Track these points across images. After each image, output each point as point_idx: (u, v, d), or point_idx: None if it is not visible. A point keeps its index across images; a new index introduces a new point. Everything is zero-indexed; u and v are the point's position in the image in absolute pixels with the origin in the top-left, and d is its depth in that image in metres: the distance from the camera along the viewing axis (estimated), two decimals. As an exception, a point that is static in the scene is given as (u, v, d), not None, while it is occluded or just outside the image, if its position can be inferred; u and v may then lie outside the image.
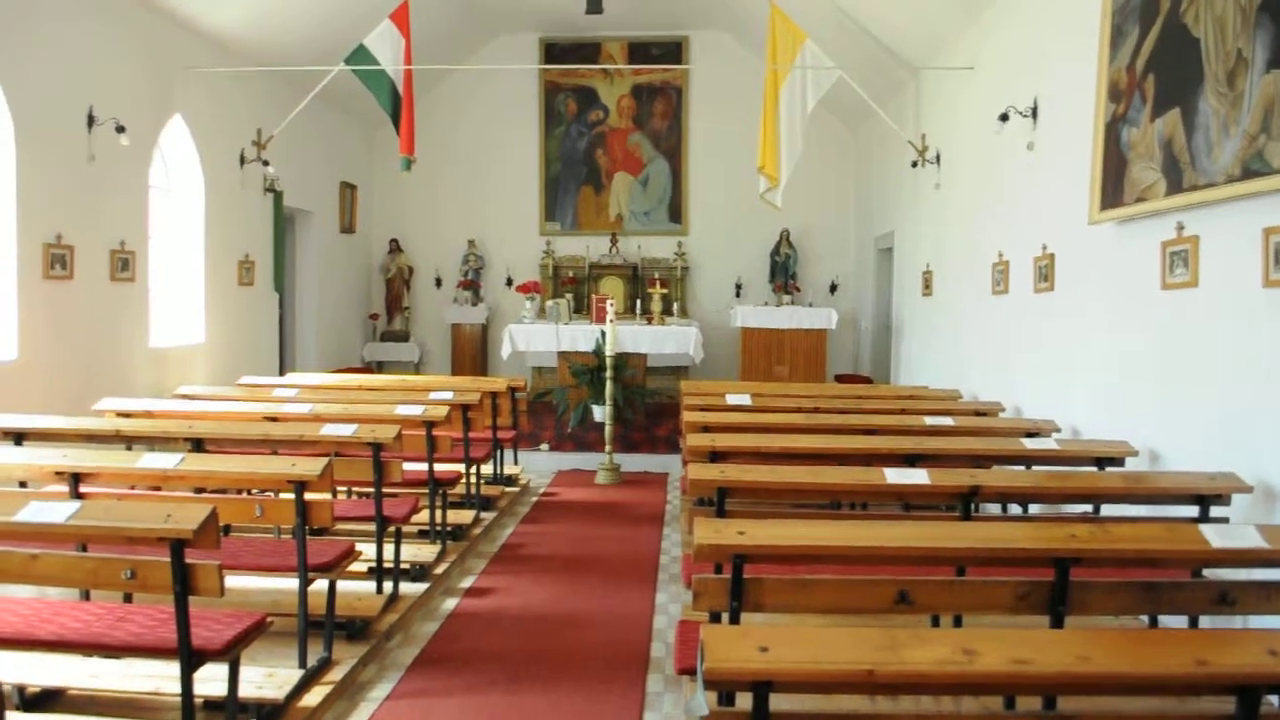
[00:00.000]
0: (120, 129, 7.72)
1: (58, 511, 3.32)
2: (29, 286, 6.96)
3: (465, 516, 7.27)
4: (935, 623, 4.23)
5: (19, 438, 5.43)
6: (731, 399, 6.98)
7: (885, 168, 12.04)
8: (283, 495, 4.47)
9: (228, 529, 5.51)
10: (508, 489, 8.72)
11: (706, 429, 5.59)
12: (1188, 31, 4.77)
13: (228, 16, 9.20)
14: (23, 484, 4.87)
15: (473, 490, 7.63)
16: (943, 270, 9.38)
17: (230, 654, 3.46)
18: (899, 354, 11.16)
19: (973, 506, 4.15)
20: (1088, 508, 4.93)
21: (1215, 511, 4.16)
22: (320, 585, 4.53)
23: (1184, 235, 4.91)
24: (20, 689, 3.92)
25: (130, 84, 8.18)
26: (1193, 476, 4.25)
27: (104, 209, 7.84)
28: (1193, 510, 4.19)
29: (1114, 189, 5.48)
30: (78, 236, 7.45)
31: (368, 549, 5.31)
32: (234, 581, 4.91)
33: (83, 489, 4.47)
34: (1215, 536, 3.06)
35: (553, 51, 14.23)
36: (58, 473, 4.45)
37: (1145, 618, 4.35)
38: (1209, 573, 3.85)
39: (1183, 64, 4.81)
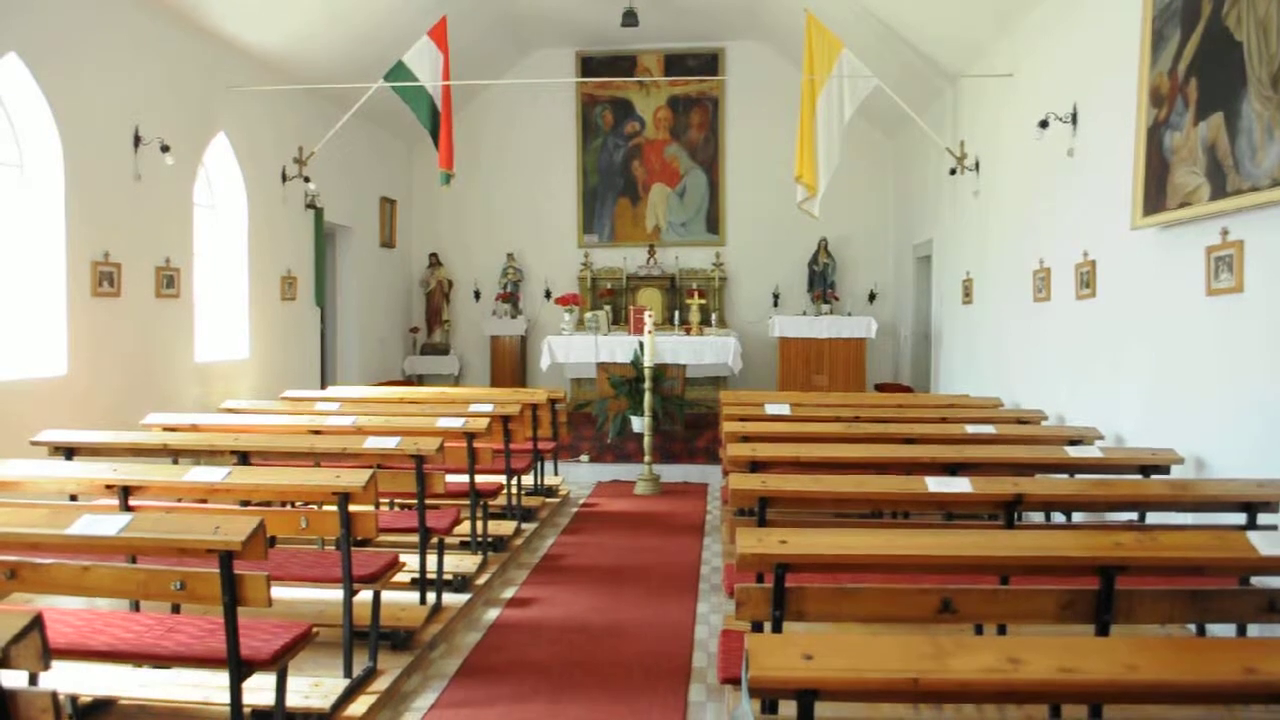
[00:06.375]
0: (165, 148, 7.87)
1: (109, 524, 3.38)
2: (78, 304, 7.11)
3: (506, 528, 7.31)
4: (979, 632, 4.21)
5: (70, 452, 5.54)
6: (771, 409, 6.97)
7: (924, 175, 11.98)
8: (327, 507, 4.51)
9: (273, 541, 5.54)
10: (548, 500, 8.75)
11: (746, 439, 5.58)
12: (1230, 35, 4.72)
13: (269, 36, 9.35)
14: (74, 497, 4.95)
15: (514, 501, 7.66)
16: (983, 278, 9.31)
17: (278, 664, 3.51)
18: (939, 362, 11.09)
19: (1016, 515, 4.12)
20: (1133, 516, 4.88)
21: (1263, 519, 4.10)
22: (365, 596, 4.58)
23: (1228, 240, 4.85)
24: (73, 698, 3.98)
25: (175, 104, 8.34)
26: (1240, 483, 4.20)
27: (150, 227, 7.99)
28: (1240, 518, 4.13)
29: (1156, 194, 5.42)
30: (125, 254, 7.60)
31: (411, 560, 5.35)
32: (280, 592, 4.95)
33: (132, 502, 4.55)
34: (1263, 544, 3.02)
35: (589, 65, 14.32)
36: (108, 486, 4.52)
37: (1192, 626, 4.30)
38: (1257, 580, 3.80)
39: (1225, 68, 4.75)
